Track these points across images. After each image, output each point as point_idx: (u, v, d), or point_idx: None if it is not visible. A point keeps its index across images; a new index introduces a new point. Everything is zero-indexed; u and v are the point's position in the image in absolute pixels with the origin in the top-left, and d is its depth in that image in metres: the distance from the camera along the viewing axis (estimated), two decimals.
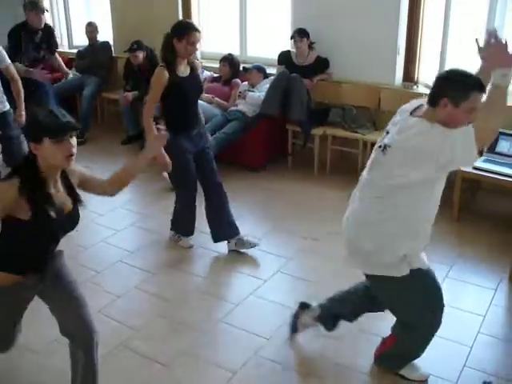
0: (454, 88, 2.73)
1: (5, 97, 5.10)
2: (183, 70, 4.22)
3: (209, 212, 4.63)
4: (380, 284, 3.11)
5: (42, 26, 5.98)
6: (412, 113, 2.91)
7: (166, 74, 4.09)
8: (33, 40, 5.92)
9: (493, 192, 5.44)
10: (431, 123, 2.73)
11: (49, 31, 6.18)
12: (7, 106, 5.13)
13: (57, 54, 6.54)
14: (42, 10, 5.93)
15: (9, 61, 5.04)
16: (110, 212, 5.36)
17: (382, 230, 2.97)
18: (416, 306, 3.08)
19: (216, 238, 4.66)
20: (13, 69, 5.07)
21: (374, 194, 3.00)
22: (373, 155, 3.08)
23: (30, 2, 6.03)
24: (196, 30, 4.09)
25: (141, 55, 7.02)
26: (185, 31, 4.06)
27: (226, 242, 4.66)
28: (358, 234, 3.10)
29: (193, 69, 4.31)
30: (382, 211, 2.95)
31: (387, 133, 3.03)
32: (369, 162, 3.11)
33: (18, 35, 5.72)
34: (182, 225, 4.74)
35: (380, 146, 3.02)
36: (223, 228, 4.62)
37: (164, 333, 3.71)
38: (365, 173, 3.12)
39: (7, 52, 5.19)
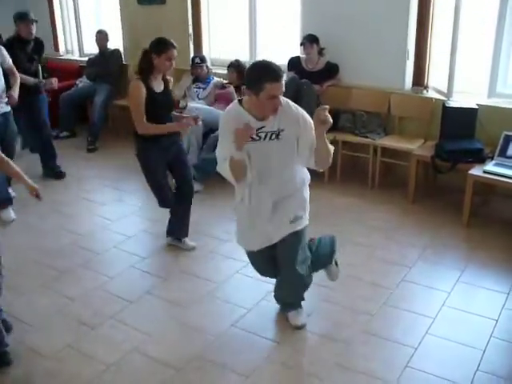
0: (252, 79, 3.11)
1: (6, 99, 5.30)
2: (157, 86, 4.39)
3: (176, 209, 4.81)
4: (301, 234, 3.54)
5: (33, 36, 6.05)
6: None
7: (143, 87, 4.27)
8: (25, 51, 5.99)
9: (503, 196, 5.42)
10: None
11: (40, 42, 6.25)
12: (9, 107, 5.35)
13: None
14: (31, 21, 6.00)
15: (10, 59, 5.42)
16: (122, 218, 5.39)
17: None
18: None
19: (170, 233, 4.91)
20: (13, 66, 5.49)
21: None
22: None
23: (19, 13, 6.06)
24: (174, 47, 4.32)
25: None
26: (164, 48, 4.27)
27: (169, 237, 4.94)
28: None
29: (166, 85, 4.48)
30: None
31: None
32: None
33: (12, 46, 5.79)
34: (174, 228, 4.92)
35: None
36: (185, 228, 4.88)
37: (176, 337, 3.72)
38: None
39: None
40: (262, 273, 3.91)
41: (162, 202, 4.72)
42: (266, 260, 3.72)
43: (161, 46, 4.28)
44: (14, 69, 5.46)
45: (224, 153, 3.30)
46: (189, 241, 4.88)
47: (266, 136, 3.27)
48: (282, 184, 3.42)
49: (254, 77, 3.13)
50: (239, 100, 3.33)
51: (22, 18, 5.99)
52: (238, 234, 3.69)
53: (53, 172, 6.49)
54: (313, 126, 3.26)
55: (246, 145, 3.18)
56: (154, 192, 4.68)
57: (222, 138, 3.37)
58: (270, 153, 3.31)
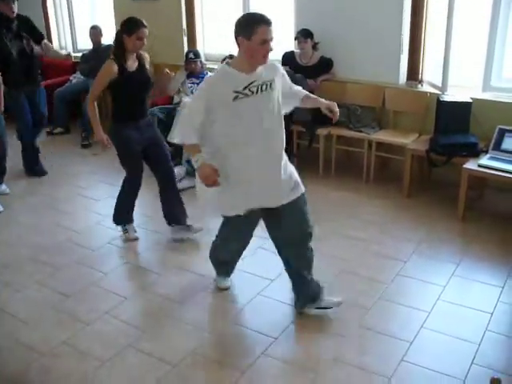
0: (244, 25, 3.21)
1: None
2: (131, 65, 4.46)
3: (164, 196, 4.85)
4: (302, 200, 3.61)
5: (14, 14, 5.95)
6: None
7: (115, 67, 4.35)
8: (10, 28, 5.89)
9: (498, 190, 5.43)
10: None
11: (25, 20, 6.17)
12: None
13: (45, 41, 6.48)
14: (12, 0, 5.93)
15: None
16: None
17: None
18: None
19: (172, 220, 4.89)
20: None
21: None
22: None
23: None
24: (144, 26, 4.37)
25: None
26: (134, 27, 4.33)
27: (170, 226, 4.92)
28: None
29: (141, 63, 4.54)
30: None
31: None
32: None
33: None
34: (123, 213, 4.92)
35: None
36: (178, 211, 4.90)
37: (172, 333, 3.71)
38: None
39: None
40: (239, 239, 3.95)
41: (134, 170, 4.69)
42: (254, 223, 3.82)
43: (131, 25, 4.34)
44: None
45: (191, 117, 3.38)
46: (193, 224, 4.92)
47: (257, 89, 3.31)
48: (279, 144, 3.50)
49: (246, 22, 3.23)
50: (226, 63, 3.38)
51: None
52: (227, 198, 3.59)
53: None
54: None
55: (238, 103, 3.27)
56: (126, 163, 4.69)
57: (197, 98, 3.41)
58: (263, 108, 3.35)
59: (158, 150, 4.72)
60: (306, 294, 3.80)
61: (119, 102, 4.54)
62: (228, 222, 3.85)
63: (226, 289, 4.14)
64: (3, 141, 5.54)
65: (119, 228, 4.97)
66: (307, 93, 3.75)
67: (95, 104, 4.49)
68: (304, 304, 3.82)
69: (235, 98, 3.25)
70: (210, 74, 6.91)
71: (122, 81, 4.38)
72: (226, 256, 4.06)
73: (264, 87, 3.33)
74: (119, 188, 4.80)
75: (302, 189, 3.62)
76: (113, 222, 4.95)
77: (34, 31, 6.19)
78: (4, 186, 5.74)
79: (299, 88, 3.71)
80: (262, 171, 3.45)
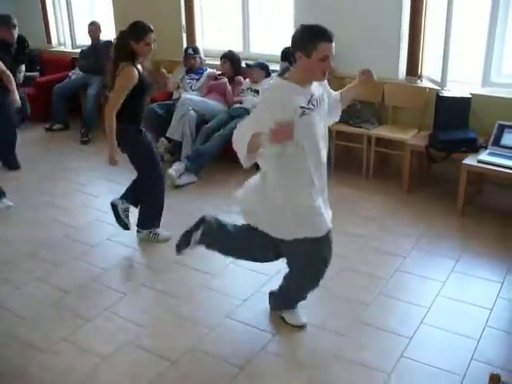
0: (305, 40, 3.05)
1: None
2: (140, 69, 4.42)
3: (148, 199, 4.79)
4: None
5: (15, 40, 6.06)
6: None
7: (136, 72, 4.29)
8: (9, 53, 5.98)
9: (498, 185, 5.42)
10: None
11: (22, 41, 6.27)
12: None
13: (23, 66, 6.60)
14: (13, 26, 6.02)
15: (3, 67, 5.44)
16: None
17: None
18: None
19: (143, 225, 4.82)
20: (2, 66, 5.55)
21: None
22: None
23: (1, 17, 6.09)
24: (151, 30, 4.31)
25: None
26: (142, 34, 4.27)
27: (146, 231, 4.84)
28: None
29: (143, 67, 4.51)
30: None
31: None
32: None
33: None
34: (156, 218, 4.84)
35: None
36: (157, 216, 4.84)
37: (171, 329, 3.72)
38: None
39: None
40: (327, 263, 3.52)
41: (159, 172, 4.67)
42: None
43: (139, 31, 4.28)
44: (4, 67, 5.51)
45: (253, 127, 3.09)
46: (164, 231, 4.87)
47: (317, 102, 3.17)
48: (324, 164, 3.33)
49: (307, 37, 3.06)
50: (279, 75, 3.24)
51: (4, 22, 6.04)
52: (298, 223, 3.27)
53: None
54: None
55: (305, 118, 3.08)
56: (149, 167, 4.61)
57: (260, 112, 3.15)
58: (319, 121, 3.20)
59: None
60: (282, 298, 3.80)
61: (136, 104, 4.41)
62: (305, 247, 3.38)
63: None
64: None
65: (144, 233, 4.83)
66: (340, 91, 3.57)
67: (113, 113, 4.29)
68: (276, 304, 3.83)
69: (302, 114, 3.07)
70: (209, 69, 6.93)
71: (141, 84, 4.33)
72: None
73: (320, 100, 3.20)
74: (117, 184, 4.78)
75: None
76: (139, 229, 4.83)
77: (25, 50, 6.36)
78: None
79: (333, 92, 3.51)
80: (320, 185, 3.29)
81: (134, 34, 4.27)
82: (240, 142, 3.15)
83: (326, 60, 3.03)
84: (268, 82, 3.29)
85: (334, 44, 3.03)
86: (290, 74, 3.20)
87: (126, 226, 4.76)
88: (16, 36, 6.08)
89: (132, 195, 4.77)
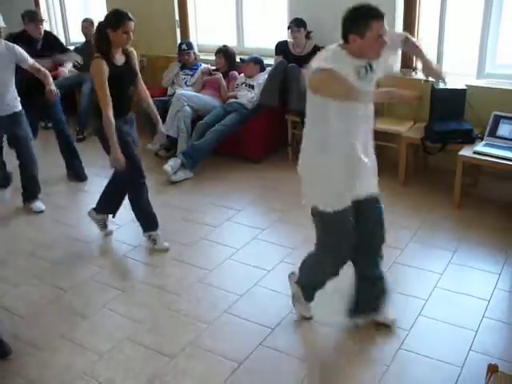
0: (357, 20, 3.01)
1: (18, 98, 5.19)
2: (118, 59, 4.25)
3: (140, 200, 4.64)
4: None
5: (41, 36, 6.02)
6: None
7: (104, 64, 4.09)
8: (35, 49, 5.92)
9: (494, 176, 5.43)
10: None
11: (49, 37, 6.21)
12: (19, 107, 5.20)
13: (67, 55, 6.57)
14: (41, 21, 5.99)
15: (31, 59, 5.16)
16: None
17: None
18: None
19: (147, 227, 4.70)
20: (37, 64, 5.22)
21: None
22: None
23: (28, 12, 6.06)
24: (130, 19, 4.13)
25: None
26: (119, 21, 4.09)
27: (145, 234, 4.71)
28: None
29: (128, 57, 4.34)
30: None
31: None
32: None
33: (16, 42, 5.73)
34: (149, 215, 4.69)
35: None
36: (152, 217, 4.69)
37: (169, 325, 3.72)
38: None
39: None
40: (348, 244, 3.34)
41: (135, 167, 4.44)
42: (354, 220, 3.31)
43: (116, 19, 4.09)
44: (37, 64, 5.22)
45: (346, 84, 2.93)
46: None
47: (366, 71, 3.06)
48: (371, 133, 3.37)
49: (359, 17, 3.02)
50: (340, 46, 3.07)
51: (31, 17, 5.99)
52: (326, 193, 3.24)
53: (76, 173, 6.31)
54: None
55: (359, 83, 2.99)
56: (127, 163, 4.35)
57: (336, 79, 2.93)
58: (369, 89, 3.16)
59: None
60: (368, 300, 3.55)
61: (111, 98, 4.25)
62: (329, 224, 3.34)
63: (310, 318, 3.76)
64: (27, 142, 5.37)
65: (145, 238, 4.74)
66: (409, 36, 3.43)
67: (109, 112, 4.10)
68: (363, 312, 3.57)
69: (365, 74, 3.04)
70: (203, 65, 6.92)
71: (113, 76, 4.13)
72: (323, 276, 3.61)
73: (370, 69, 3.09)
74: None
75: None
76: (143, 234, 4.72)
77: (57, 46, 6.26)
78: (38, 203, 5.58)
79: (400, 33, 3.45)
80: (365, 152, 3.33)
81: (110, 22, 4.10)
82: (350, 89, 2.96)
83: (380, 38, 2.97)
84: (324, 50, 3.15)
85: (384, 21, 2.99)
86: (347, 46, 3.05)
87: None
88: (42, 32, 6.03)
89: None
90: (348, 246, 3.32)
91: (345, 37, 3.02)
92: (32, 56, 5.25)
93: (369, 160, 3.33)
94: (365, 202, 3.33)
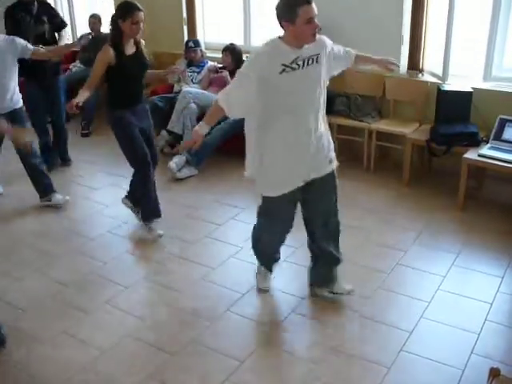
0: (285, 9, 3.20)
1: (20, 95, 5.17)
2: (129, 50, 4.39)
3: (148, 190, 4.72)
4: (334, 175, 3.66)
5: None
6: None
7: (111, 52, 4.28)
8: (30, 12, 5.80)
9: (499, 180, 5.41)
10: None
11: (45, 3, 6.13)
12: (20, 103, 5.18)
13: (64, 32, 6.38)
14: None
15: (32, 47, 5.10)
16: (116, 203, 5.34)
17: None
18: None
19: (147, 216, 4.79)
20: (42, 50, 5.24)
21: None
22: None
23: None
24: (139, 9, 4.25)
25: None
26: (128, 12, 4.22)
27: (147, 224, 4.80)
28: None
29: (138, 48, 4.47)
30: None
31: None
32: None
33: (13, 11, 5.68)
34: (151, 205, 4.78)
35: None
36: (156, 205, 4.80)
37: (171, 322, 3.72)
38: None
39: (7, 33, 5.25)
40: (285, 224, 3.74)
41: (140, 158, 4.54)
42: (293, 205, 3.65)
43: (125, 10, 4.24)
44: (38, 48, 5.22)
45: (236, 94, 3.35)
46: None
47: (303, 63, 3.28)
48: (318, 118, 3.45)
49: (286, 6, 3.20)
50: (278, 36, 3.32)
51: None
52: (265, 180, 3.54)
53: (61, 158, 6.45)
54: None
55: (285, 76, 3.24)
56: (130, 152, 4.56)
57: (248, 69, 3.34)
58: (307, 81, 3.32)
59: (147, 144, 4.62)
60: (323, 273, 3.87)
61: (117, 87, 4.44)
62: (269, 206, 3.66)
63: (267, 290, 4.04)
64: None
65: (147, 226, 4.81)
66: (359, 53, 3.73)
67: (89, 93, 4.40)
68: (320, 285, 3.90)
69: (282, 71, 3.22)
70: (210, 62, 6.91)
71: (120, 65, 4.29)
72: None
73: (310, 61, 3.30)
74: (117, 177, 4.76)
75: (334, 164, 3.63)
76: (143, 222, 4.82)
77: (55, 14, 6.18)
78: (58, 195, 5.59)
79: (351, 50, 3.69)
80: (301, 141, 3.42)
81: (120, 13, 4.25)
82: (225, 101, 3.36)
83: (312, 22, 3.17)
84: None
85: (314, 4, 3.19)
86: (285, 35, 3.30)
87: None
88: None
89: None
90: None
91: (280, 25, 3.25)
92: (29, 22, 5.31)
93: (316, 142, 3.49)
94: (316, 181, 3.55)
